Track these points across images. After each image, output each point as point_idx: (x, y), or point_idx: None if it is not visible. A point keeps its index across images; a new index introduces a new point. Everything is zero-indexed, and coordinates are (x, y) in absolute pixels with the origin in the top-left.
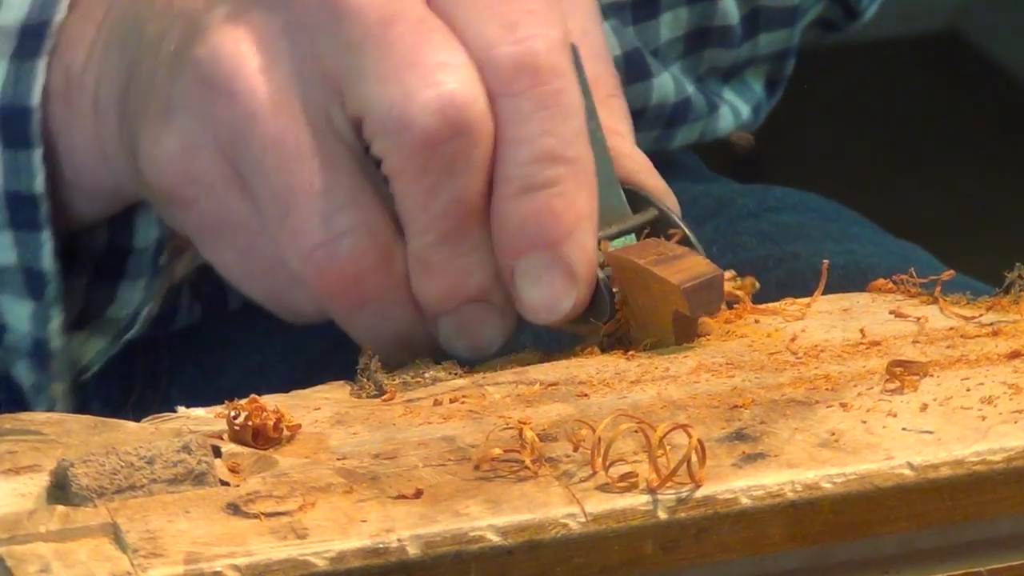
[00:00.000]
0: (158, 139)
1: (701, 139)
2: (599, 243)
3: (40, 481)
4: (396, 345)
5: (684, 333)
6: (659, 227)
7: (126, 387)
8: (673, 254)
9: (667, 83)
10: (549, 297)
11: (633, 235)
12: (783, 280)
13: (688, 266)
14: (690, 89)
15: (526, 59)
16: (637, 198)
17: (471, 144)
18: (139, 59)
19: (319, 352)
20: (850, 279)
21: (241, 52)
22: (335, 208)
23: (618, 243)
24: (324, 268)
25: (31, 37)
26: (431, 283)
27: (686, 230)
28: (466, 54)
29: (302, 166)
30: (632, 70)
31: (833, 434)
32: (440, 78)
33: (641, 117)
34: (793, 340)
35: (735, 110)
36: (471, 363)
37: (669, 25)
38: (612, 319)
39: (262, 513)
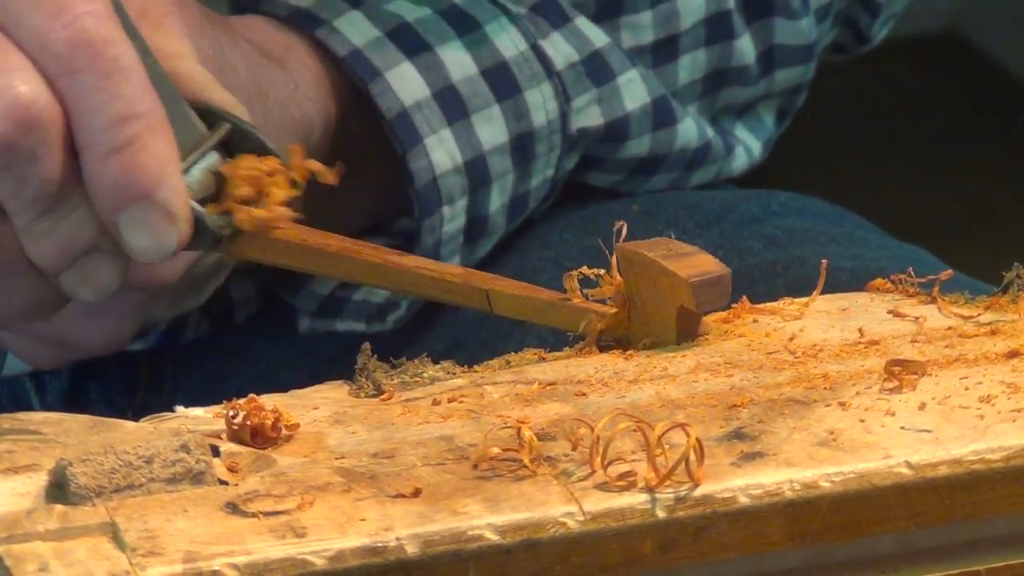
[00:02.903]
0: None
1: (715, 179)
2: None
3: (39, 480)
4: (32, 310)
5: (687, 330)
6: (236, 138)
7: (129, 392)
8: (682, 251)
9: (690, 128)
10: (154, 241)
11: (215, 152)
12: (790, 284)
13: (697, 263)
14: (710, 133)
15: (79, 39)
16: (209, 114)
17: (44, 133)
18: None
19: (323, 358)
20: (857, 282)
21: None
22: None
23: (205, 162)
24: None
25: None
26: (43, 249)
27: (259, 134)
28: (19, 52)
29: None
30: (659, 117)
31: (831, 433)
32: (1, 86)
33: (664, 161)
34: (791, 340)
35: (748, 150)
36: (470, 363)
37: (688, 68)
38: (219, 243)
39: (260, 512)
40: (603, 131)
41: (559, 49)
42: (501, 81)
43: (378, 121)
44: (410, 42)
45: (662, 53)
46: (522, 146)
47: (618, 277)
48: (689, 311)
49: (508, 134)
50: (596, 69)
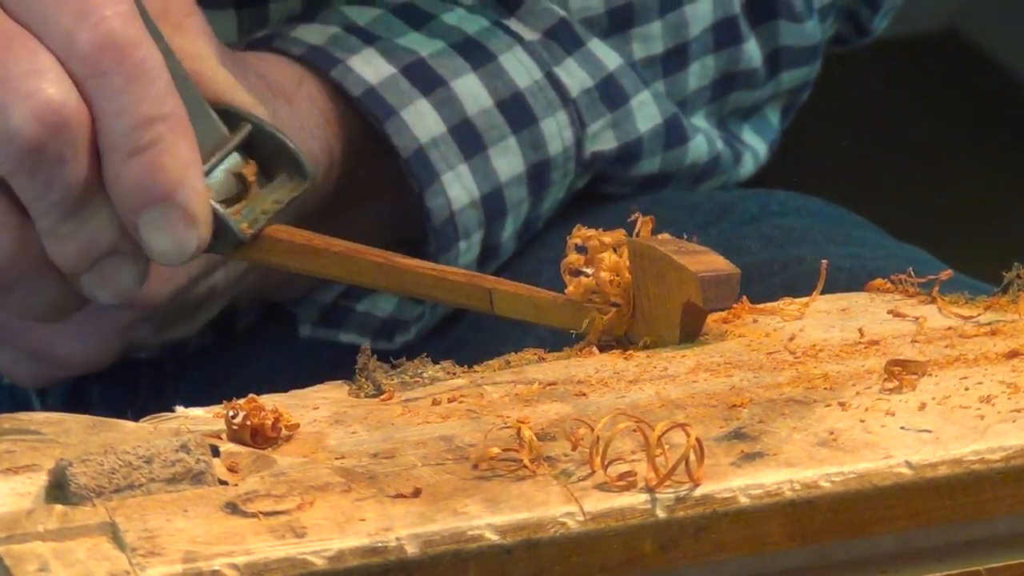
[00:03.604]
0: None
1: (723, 187)
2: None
3: (39, 480)
4: (50, 311)
5: (691, 327)
6: (257, 139)
7: (130, 395)
8: (693, 249)
9: (701, 144)
10: (174, 243)
11: (236, 154)
12: (788, 284)
13: (707, 260)
14: (719, 146)
15: (105, 40)
16: (230, 115)
17: (73, 136)
18: None
19: (324, 361)
20: (856, 282)
21: None
22: None
23: (226, 164)
24: None
25: None
26: (65, 251)
27: (281, 135)
28: (48, 54)
29: None
30: (671, 136)
31: (831, 433)
32: (30, 87)
33: (673, 177)
34: (791, 340)
35: (755, 154)
36: (469, 363)
37: (697, 75)
38: (241, 244)
39: (260, 512)
40: (616, 154)
41: (574, 75)
42: (517, 112)
43: (389, 157)
44: (425, 77)
45: (673, 62)
46: (538, 175)
47: (626, 275)
48: (695, 308)
49: (524, 164)
50: (610, 93)
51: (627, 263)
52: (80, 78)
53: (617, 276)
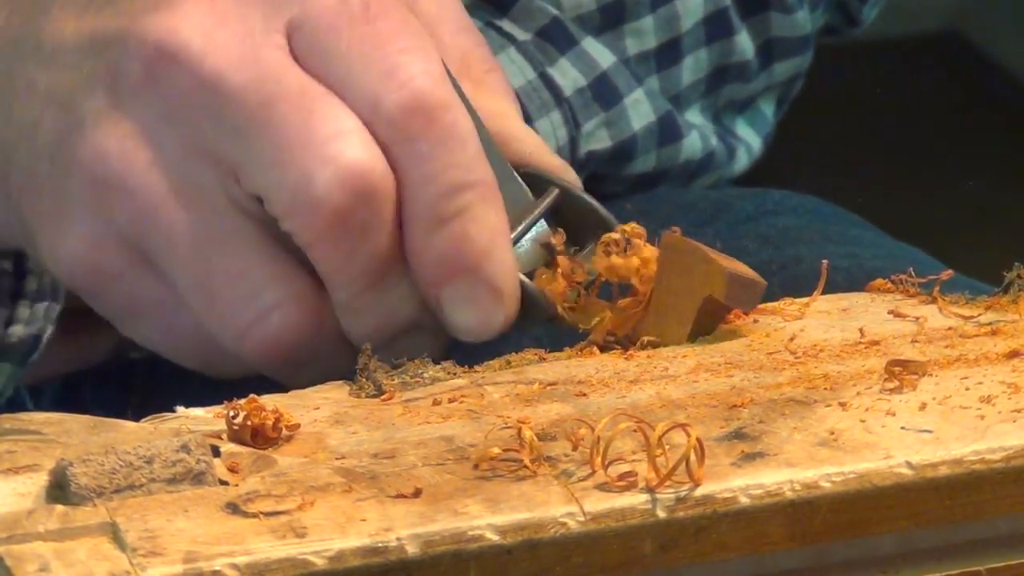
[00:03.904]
0: (59, 239)
1: (716, 183)
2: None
3: (39, 480)
4: (327, 379)
5: (704, 325)
6: (565, 205)
7: (123, 394)
8: (725, 256)
9: (695, 141)
10: (479, 318)
11: (543, 221)
12: (786, 284)
13: (738, 265)
14: (713, 142)
15: (414, 103)
16: (536, 179)
17: (379, 205)
18: (13, 144)
19: None
20: (854, 282)
21: (128, 148)
22: (258, 287)
23: (534, 232)
24: (260, 344)
25: None
26: (362, 326)
27: (591, 201)
28: (353, 116)
29: (215, 251)
30: (665, 134)
31: (832, 433)
32: (335, 151)
33: (667, 174)
34: (792, 340)
35: (748, 148)
36: (470, 363)
37: (691, 69)
38: (550, 317)
39: (261, 512)
40: (610, 152)
41: (567, 75)
42: None
43: None
44: None
45: (666, 56)
46: None
47: (652, 268)
48: (714, 304)
49: None
50: (603, 92)
51: (656, 260)
52: (386, 143)
53: (646, 269)
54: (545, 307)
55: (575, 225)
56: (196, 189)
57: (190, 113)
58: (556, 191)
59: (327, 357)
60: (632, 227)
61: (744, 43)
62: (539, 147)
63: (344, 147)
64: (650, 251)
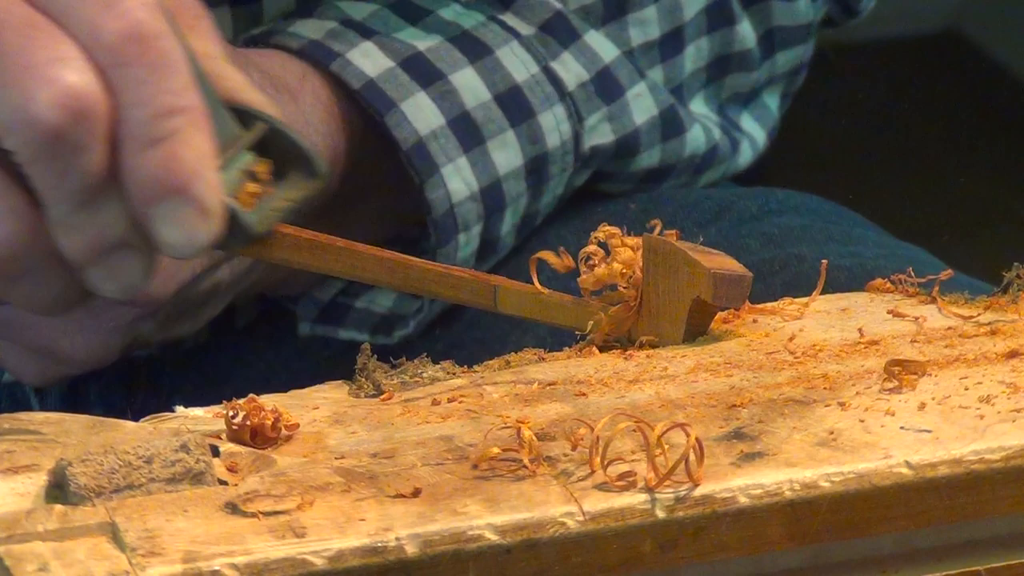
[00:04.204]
0: None
1: (722, 177)
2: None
3: (38, 480)
4: (55, 304)
5: (697, 325)
6: (270, 138)
7: (128, 394)
8: (707, 250)
9: (698, 135)
10: (186, 236)
11: (249, 152)
12: (788, 282)
13: (721, 261)
14: (717, 135)
15: (131, 31)
16: (244, 114)
17: (93, 126)
18: None
19: (323, 360)
20: (856, 281)
21: None
22: None
23: (240, 162)
24: None
25: None
26: (75, 243)
27: (292, 136)
28: (74, 43)
29: None
30: (668, 128)
31: (831, 433)
32: (54, 74)
33: (673, 169)
34: (791, 340)
35: (753, 141)
36: (469, 363)
37: (692, 57)
38: (251, 240)
39: (260, 512)
40: (614, 147)
41: (569, 69)
42: (515, 105)
43: (390, 150)
44: (423, 71)
45: (669, 46)
46: (536, 169)
47: (638, 272)
48: (703, 305)
49: (523, 158)
50: (606, 86)
51: (641, 261)
52: (103, 67)
53: (630, 271)
54: (247, 229)
55: (280, 158)
56: None
57: None
58: (263, 125)
59: (40, 272)
60: (604, 231)
61: (746, 32)
62: (245, 85)
63: (63, 71)
64: (633, 242)
